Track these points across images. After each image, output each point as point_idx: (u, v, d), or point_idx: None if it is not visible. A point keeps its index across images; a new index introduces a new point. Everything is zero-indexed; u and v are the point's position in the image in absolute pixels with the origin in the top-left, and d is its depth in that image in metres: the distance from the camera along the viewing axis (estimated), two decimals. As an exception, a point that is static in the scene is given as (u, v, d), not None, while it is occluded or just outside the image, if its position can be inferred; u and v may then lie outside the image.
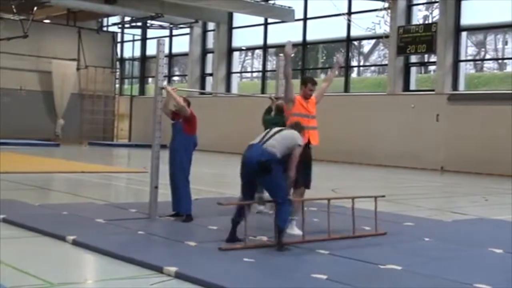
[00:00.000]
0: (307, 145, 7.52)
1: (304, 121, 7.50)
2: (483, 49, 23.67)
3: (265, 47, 27.62)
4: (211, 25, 29.77)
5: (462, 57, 21.56)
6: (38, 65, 29.41)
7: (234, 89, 28.93)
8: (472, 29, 21.88)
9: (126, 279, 5.46)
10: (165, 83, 8.55)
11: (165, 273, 5.42)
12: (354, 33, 24.03)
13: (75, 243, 6.57)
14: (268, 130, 7.04)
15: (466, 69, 22.12)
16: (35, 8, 26.74)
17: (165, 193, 8.82)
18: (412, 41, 21.70)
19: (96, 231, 7.27)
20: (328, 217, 7.18)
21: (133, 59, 34.32)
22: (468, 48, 22.35)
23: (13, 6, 25.77)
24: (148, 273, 5.49)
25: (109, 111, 31.99)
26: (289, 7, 25.40)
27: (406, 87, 22.59)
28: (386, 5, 22.26)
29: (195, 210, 8.27)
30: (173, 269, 5.42)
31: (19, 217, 7.80)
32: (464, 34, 21.55)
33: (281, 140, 6.73)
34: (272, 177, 6.61)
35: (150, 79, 34.11)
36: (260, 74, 28.45)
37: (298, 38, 25.88)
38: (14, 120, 28.02)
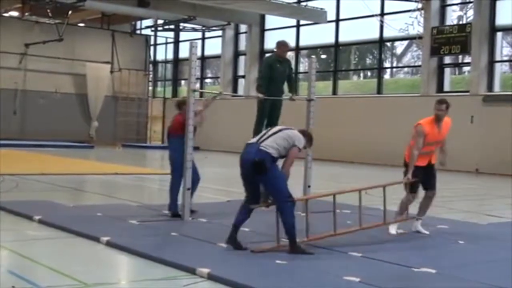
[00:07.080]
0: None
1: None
2: (519, 50, 23.33)
3: (297, 49, 27.55)
4: (243, 27, 29.82)
5: (497, 58, 21.26)
6: (73, 68, 29.75)
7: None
8: (508, 29, 21.56)
9: (159, 280, 5.49)
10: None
11: (198, 275, 5.45)
12: (387, 34, 23.86)
13: (109, 244, 6.63)
14: (268, 129, 6.82)
15: (501, 69, 21.82)
16: (70, 12, 27.11)
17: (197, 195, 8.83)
18: (446, 42, 21.47)
19: (129, 232, 7.33)
20: (359, 217, 7.14)
21: (166, 61, 34.53)
22: (503, 48, 22.04)
23: (48, 10, 26.20)
24: (181, 274, 5.52)
25: (142, 113, 32.22)
26: (321, 8, 25.31)
27: (440, 89, 22.34)
28: (419, 5, 22.05)
29: (228, 211, 8.26)
30: (205, 270, 5.45)
31: (54, 218, 7.91)
32: (499, 34, 21.24)
33: (278, 139, 6.52)
34: (269, 178, 6.43)
35: (182, 82, 34.28)
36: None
37: (331, 40, 25.80)
38: (50, 122, 28.43)
